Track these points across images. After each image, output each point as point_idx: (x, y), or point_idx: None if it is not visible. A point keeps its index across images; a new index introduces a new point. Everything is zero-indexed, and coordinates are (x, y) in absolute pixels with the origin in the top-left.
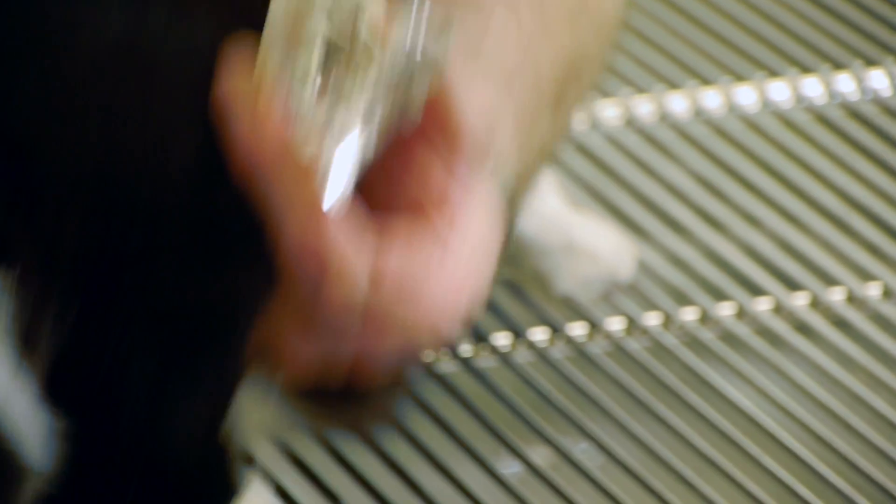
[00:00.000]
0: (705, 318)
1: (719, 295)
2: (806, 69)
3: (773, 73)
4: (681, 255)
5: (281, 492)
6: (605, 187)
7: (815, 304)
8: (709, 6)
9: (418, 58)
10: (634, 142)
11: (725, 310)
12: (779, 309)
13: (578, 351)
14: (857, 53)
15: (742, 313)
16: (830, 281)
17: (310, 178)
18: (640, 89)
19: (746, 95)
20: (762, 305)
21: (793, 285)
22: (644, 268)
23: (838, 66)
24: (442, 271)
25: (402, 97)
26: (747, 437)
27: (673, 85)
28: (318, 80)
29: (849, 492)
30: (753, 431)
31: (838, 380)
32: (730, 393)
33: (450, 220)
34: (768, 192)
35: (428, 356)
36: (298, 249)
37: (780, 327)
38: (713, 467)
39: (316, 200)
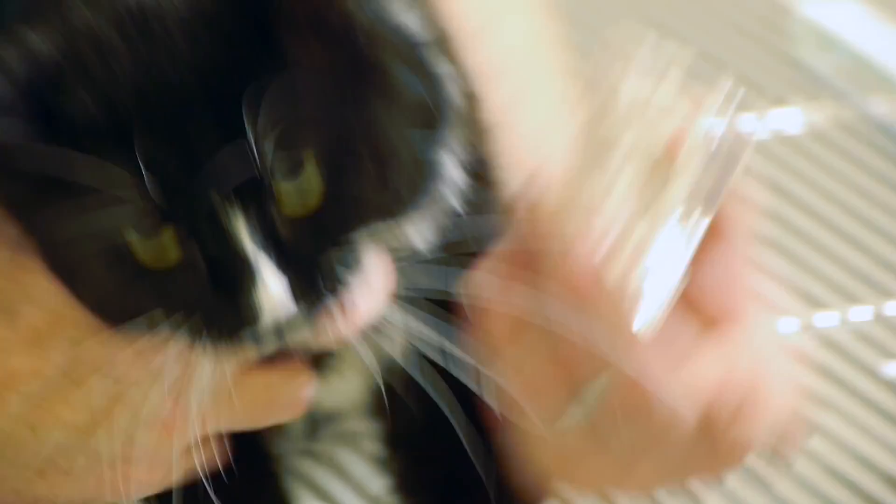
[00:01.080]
0: None
1: None
2: None
3: None
4: None
5: None
6: None
7: None
8: None
9: (726, 155)
10: None
11: None
12: None
13: None
14: None
15: None
16: None
17: (622, 303)
18: None
19: None
20: None
21: None
22: None
23: None
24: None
25: (711, 198)
26: None
27: None
28: (629, 196)
29: None
30: None
31: None
32: None
33: (756, 324)
34: None
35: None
36: (623, 384)
37: None
38: None
39: (629, 328)
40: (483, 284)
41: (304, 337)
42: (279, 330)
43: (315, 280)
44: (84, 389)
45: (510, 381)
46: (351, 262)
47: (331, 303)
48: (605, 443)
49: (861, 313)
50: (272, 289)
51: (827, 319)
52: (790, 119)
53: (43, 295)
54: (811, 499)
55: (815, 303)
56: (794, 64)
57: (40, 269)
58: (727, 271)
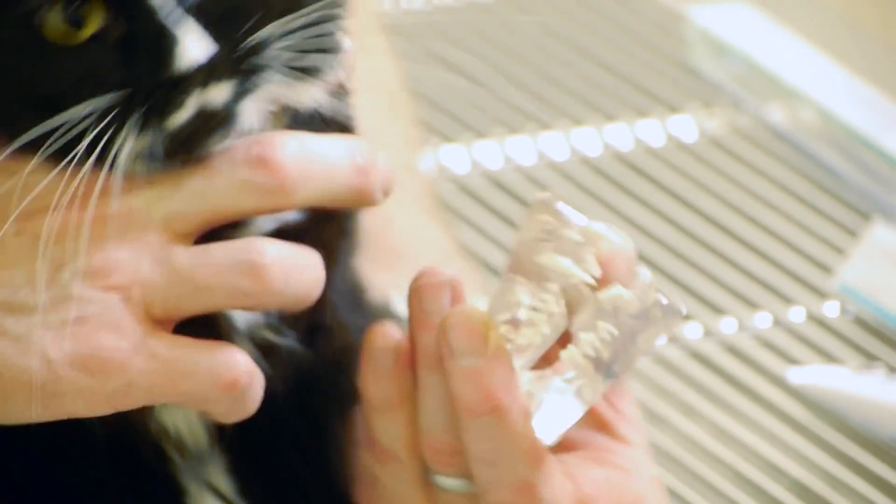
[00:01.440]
0: None
1: None
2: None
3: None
4: None
5: None
6: None
7: None
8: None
9: (653, 307)
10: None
11: None
12: None
13: None
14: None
15: None
16: None
17: (529, 420)
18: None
19: (459, 156)
20: None
21: None
22: None
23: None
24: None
25: (632, 344)
26: None
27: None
28: (547, 325)
29: None
30: None
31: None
32: None
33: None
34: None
35: None
36: (513, 489)
37: None
38: None
39: (535, 442)
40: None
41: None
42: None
43: (236, 60)
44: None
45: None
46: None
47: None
48: None
49: (762, 320)
50: (193, 49)
51: (729, 326)
52: (686, 126)
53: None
54: (696, 489)
55: (716, 309)
56: (688, 71)
57: None
58: (621, 398)
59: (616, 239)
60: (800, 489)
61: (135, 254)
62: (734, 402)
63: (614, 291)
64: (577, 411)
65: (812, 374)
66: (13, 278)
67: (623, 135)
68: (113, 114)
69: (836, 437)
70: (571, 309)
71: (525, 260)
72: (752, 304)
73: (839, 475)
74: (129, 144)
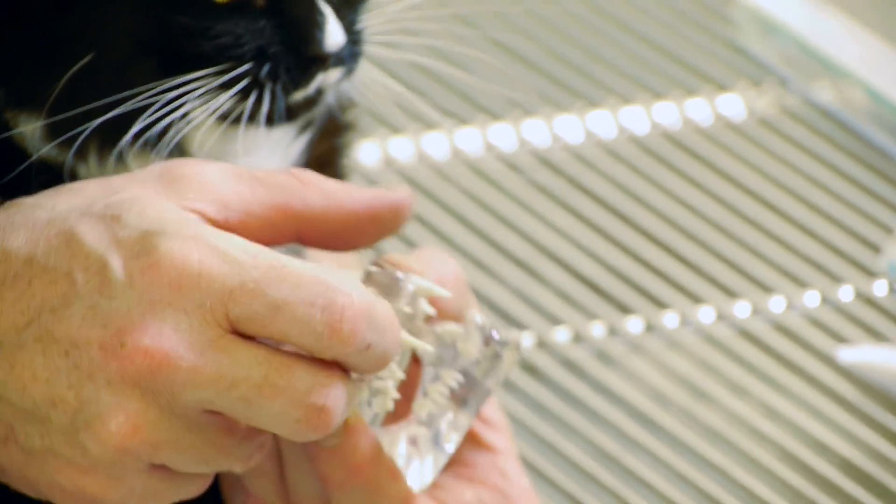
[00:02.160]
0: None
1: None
2: (595, 103)
3: (530, 113)
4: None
5: None
6: None
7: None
8: (495, 43)
9: (490, 347)
10: (427, 177)
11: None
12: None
13: None
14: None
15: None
16: (697, 299)
17: (396, 478)
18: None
19: (505, 134)
20: (596, 330)
21: (626, 309)
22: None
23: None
24: None
25: (481, 384)
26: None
27: (431, 125)
28: (394, 390)
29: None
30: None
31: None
32: (595, 406)
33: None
34: (560, 225)
35: None
36: None
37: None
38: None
39: (406, 497)
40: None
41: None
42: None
43: (353, 32)
44: (48, 361)
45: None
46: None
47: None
48: None
49: (811, 298)
50: (335, 34)
51: (777, 304)
52: (734, 105)
53: (43, 250)
54: (767, 483)
55: (765, 287)
56: (737, 50)
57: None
58: (486, 406)
59: (442, 293)
60: (848, 467)
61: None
62: (783, 381)
63: (448, 327)
64: (442, 454)
65: (860, 353)
66: (38, 390)
67: (671, 113)
68: (246, 81)
69: (885, 415)
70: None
71: None
72: (801, 283)
73: (887, 453)
74: (260, 110)
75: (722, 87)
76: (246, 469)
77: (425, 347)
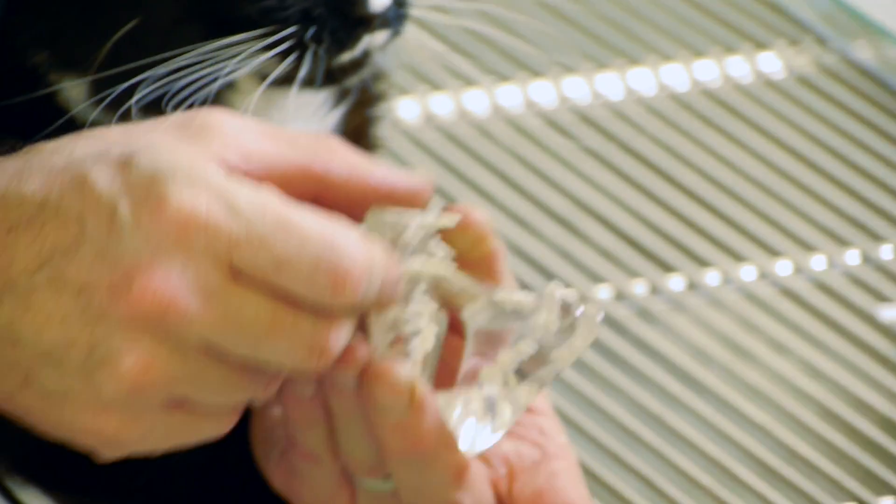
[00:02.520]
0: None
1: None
2: (636, 61)
3: (570, 69)
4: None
5: None
6: (443, 181)
7: (655, 290)
8: (536, 1)
9: (571, 319)
10: (468, 134)
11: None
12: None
13: None
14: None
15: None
16: (739, 257)
17: (454, 450)
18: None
19: (545, 91)
20: (638, 288)
21: (668, 267)
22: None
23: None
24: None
25: (552, 358)
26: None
27: (471, 81)
28: (432, 325)
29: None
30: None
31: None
32: (636, 364)
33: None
34: (602, 183)
35: None
36: None
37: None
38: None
39: (460, 467)
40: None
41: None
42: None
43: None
44: (61, 303)
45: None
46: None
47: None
48: None
49: (852, 257)
50: None
51: (818, 263)
52: (773, 63)
53: (57, 191)
54: (808, 441)
55: (806, 246)
56: (776, 8)
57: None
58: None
59: (451, 219)
60: (888, 425)
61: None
62: (823, 339)
63: (515, 297)
64: (499, 425)
65: None
66: (52, 332)
67: (711, 71)
68: (291, 43)
69: None
70: (450, 302)
71: None
72: (842, 241)
73: None
74: (303, 73)
75: (761, 45)
76: (265, 398)
77: (440, 270)
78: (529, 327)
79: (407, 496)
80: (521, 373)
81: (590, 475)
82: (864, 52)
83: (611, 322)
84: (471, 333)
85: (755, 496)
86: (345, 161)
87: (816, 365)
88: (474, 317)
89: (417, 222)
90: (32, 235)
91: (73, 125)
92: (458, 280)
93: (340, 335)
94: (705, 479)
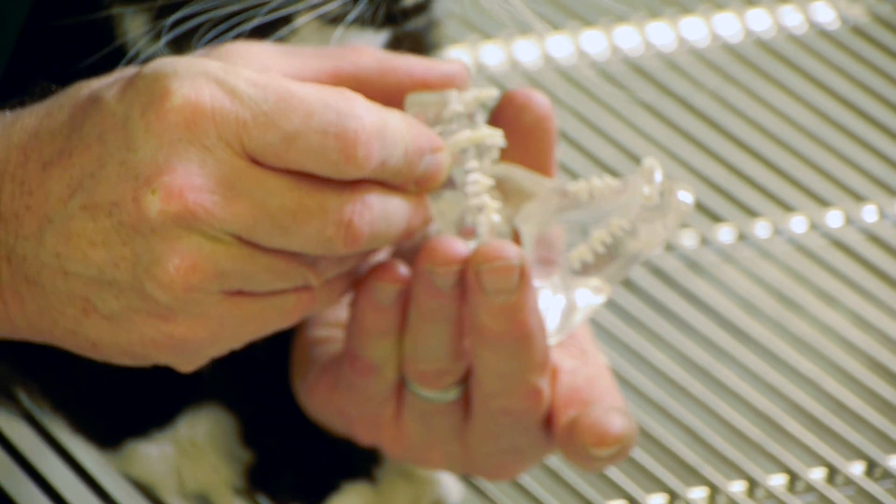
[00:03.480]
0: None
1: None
2: (687, 9)
3: (622, 19)
4: None
5: None
6: None
7: (742, 236)
8: None
9: (666, 197)
10: (519, 84)
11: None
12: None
13: None
14: None
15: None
16: (789, 208)
17: (545, 335)
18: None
19: (597, 41)
20: (688, 239)
21: (718, 218)
22: None
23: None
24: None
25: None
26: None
27: (522, 31)
28: (493, 202)
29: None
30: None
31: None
32: (685, 316)
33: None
34: (652, 134)
35: None
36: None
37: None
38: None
39: (547, 354)
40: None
41: None
42: None
43: None
44: (98, 225)
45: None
46: None
47: None
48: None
49: (869, 213)
50: None
51: (870, 214)
52: (827, 13)
53: (87, 126)
54: (857, 393)
55: (858, 196)
56: None
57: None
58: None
59: (491, 92)
60: None
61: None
62: (874, 290)
63: (598, 181)
64: (576, 315)
65: None
66: (95, 255)
67: (764, 21)
68: None
69: None
70: (514, 195)
71: None
72: (893, 192)
73: None
74: (369, 13)
75: None
76: (320, 281)
77: (486, 133)
78: (616, 207)
79: (490, 384)
80: (597, 264)
81: (637, 427)
82: None
83: (660, 273)
84: (528, 238)
85: (803, 448)
86: (373, 57)
87: (866, 316)
88: (530, 218)
89: (456, 97)
90: (63, 166)
91: (122, 55)
92: (516, 172)
93: (367, 209)
94: (753, 431)
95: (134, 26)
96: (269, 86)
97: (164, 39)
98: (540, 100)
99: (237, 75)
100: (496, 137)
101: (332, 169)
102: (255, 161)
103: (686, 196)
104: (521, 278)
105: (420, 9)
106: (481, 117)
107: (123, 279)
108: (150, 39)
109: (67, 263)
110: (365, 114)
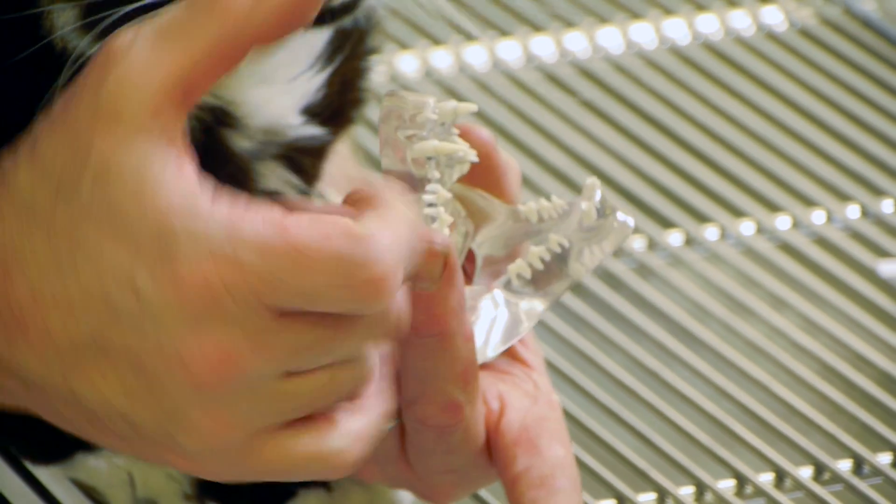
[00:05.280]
0: None
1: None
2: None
3: (570, 24)
4: None
5: None
6: None
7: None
8: None
9: (607, 219)
10: (467, 88)
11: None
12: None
13: None
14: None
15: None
16: (737, 212)
17: (470, 343)
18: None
19: (545, 45)
20: (636, 243)
21: (666, 222)
22: None
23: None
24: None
25: (577, 258)
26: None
27: (471, 36)
28: (447, 213)
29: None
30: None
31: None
32: (634, 319)
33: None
34: (600, 137)
35: None
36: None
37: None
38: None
39: (471, 365)
40: None
41: None
42: None
43: None
44: (114, 365)
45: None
46: None
47: None
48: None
49: (852, 211)
50: None
51: (818, 217)
52: (775, 16)
53: (85, 272)
54: (807, 398)
55: (806, 200)
56: None
57: (92, 244)
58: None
59: (470, 108)
60: (888, 381)
61: None
62: (823, 294)
63: (546, 202)
64: (520, 328)
65: None
66: (117, 401)
67: (713, 24)
68: None
69: None
70: (475, 215)
71: (396, 169)
72: (842, 196)
73: None
74: None
75: None
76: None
77: (458, 148)
78: (560, 227)
79: (409, 388)
80: (549, 272)
81: (586, 431)
82: (866, 4)
83: (609, 277)
84: (480, 262)
85: (753, 452)
86: None
87: (815, 320)
88: (484, 243)
89: (433, 105)
90: (64, 315)
91: (51, 52)
92: (476, 194)
93: (404, 311)
94: (703, 435)
95: (63, 20)
96: (271, 240)
97: (94, 34)
98: (483, 135)
99: (240, 238)
100: (468, 153)
101: (358, 310)
102: (282, 311)
103: (627, 219)
104: (446, 269)
105: (348, 8)
106: (455, 130)
107: (143, 419)
108: (79, 35)
109: (78, 390)
110: (378, 254)
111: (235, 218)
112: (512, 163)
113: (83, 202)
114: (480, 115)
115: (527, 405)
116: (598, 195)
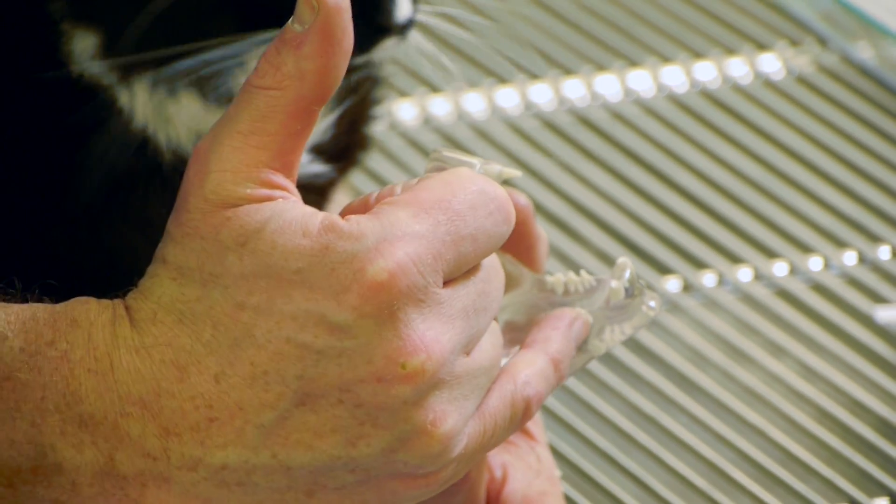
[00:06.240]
0: None
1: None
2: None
3: (569, 72)
4: None
5: None
6: None
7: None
8: (535, 2)
9: (635, 300)
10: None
11: None
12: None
13: None
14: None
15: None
16: (735, 259)
17: None
18: (436, 89)
19: (543, 93)
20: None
21: (663, 269)
22: None
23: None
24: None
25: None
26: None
27: (470, 83)
28: None
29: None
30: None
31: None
32: (632, 365)
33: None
34: (598, 184)
35: None
36: None
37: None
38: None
39: None
40: None
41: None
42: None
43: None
44: (323, 415)
45: None
46: None
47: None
48: None
49: (849, 258)
50: (405, 7)
51: (815, 264)
52: (773, 64)
53: (264, 334)
54: (804, 444)
55: (803, 247)
56: (776, 8)
57: (260, 306)
58: None
59: (514, 173)
60: (885, 427)
61: None
62: (820, 341)
63: (574, 276)
64: None
65: None
66: (326, 444)
67: (710, 72)
68: None
69: None
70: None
71: None
72: (839, 242)
73: None
74: None
75: (761, 47)
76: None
77: None
78: (586, 302)
79: None
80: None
81: (585, 477)
82: (864, 52)
83: None
84: (501, 325)
85: (750, 498)
86: None
87: (812, 367)
88: (507, 308)
89: (480, 166)
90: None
91: (68, 76)
92: (506, 259)
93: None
94: (700, 481)
95: (82, 49)
96: (429, 209)
97: (113, 64)
98: (521, 201)
99: (394, 236)
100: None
101: (508, 231)
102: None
103: (655, 303)
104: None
105: (363, 66)
106: None
107: (365, 454)
108: (98, 63)
109: (290, 460)
110: (493, 187)
111: (369, 219)
112: (543, 234)
113: (234, 278)
114: None
115: (529, 478)
116: (627, 274)
